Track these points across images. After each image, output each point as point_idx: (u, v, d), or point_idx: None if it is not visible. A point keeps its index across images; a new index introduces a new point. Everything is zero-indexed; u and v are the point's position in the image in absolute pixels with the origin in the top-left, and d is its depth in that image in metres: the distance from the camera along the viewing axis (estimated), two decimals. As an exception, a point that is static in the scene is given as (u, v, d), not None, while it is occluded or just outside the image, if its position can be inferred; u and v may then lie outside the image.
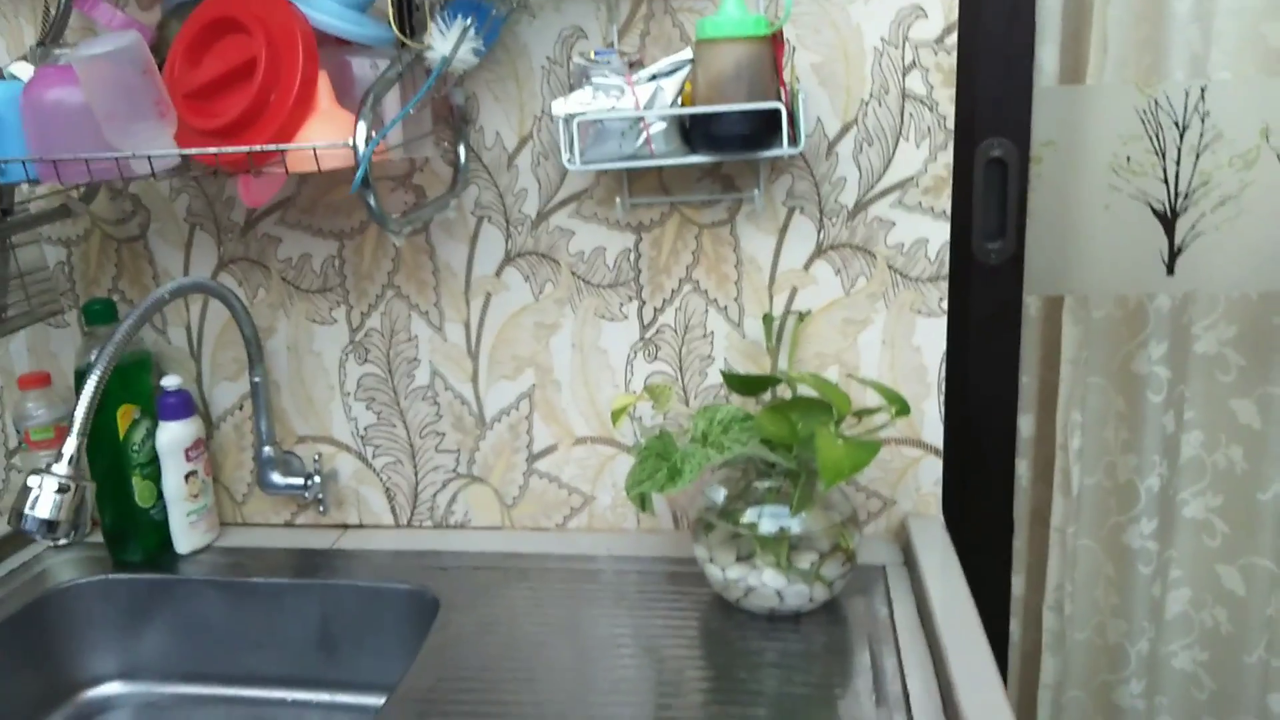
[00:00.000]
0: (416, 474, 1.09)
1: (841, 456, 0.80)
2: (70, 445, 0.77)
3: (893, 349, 0.97)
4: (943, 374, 0.97)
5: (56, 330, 1.11)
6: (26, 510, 0.75)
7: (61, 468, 0.77)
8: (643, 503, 0.87)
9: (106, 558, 1.06)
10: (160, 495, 1.06)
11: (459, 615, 0.91)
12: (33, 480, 0.76)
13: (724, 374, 0.93)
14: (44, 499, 0.76)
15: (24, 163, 0.79)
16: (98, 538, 1.10)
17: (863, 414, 0.88)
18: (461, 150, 0.96)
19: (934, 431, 0.99)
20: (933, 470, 1.00)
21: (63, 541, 1.07)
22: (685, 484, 0.83)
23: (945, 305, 0.95)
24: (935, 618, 0.82)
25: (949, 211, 0.93)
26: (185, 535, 1.06)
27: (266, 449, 1.06)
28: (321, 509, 1.08)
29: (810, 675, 0.79)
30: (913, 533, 0.97)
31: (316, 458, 1.08)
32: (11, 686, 0.96)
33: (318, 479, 1.06)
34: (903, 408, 0.88)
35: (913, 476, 1.01)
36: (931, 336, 0.96)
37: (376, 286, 1.04)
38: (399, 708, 0.77)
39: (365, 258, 1.03)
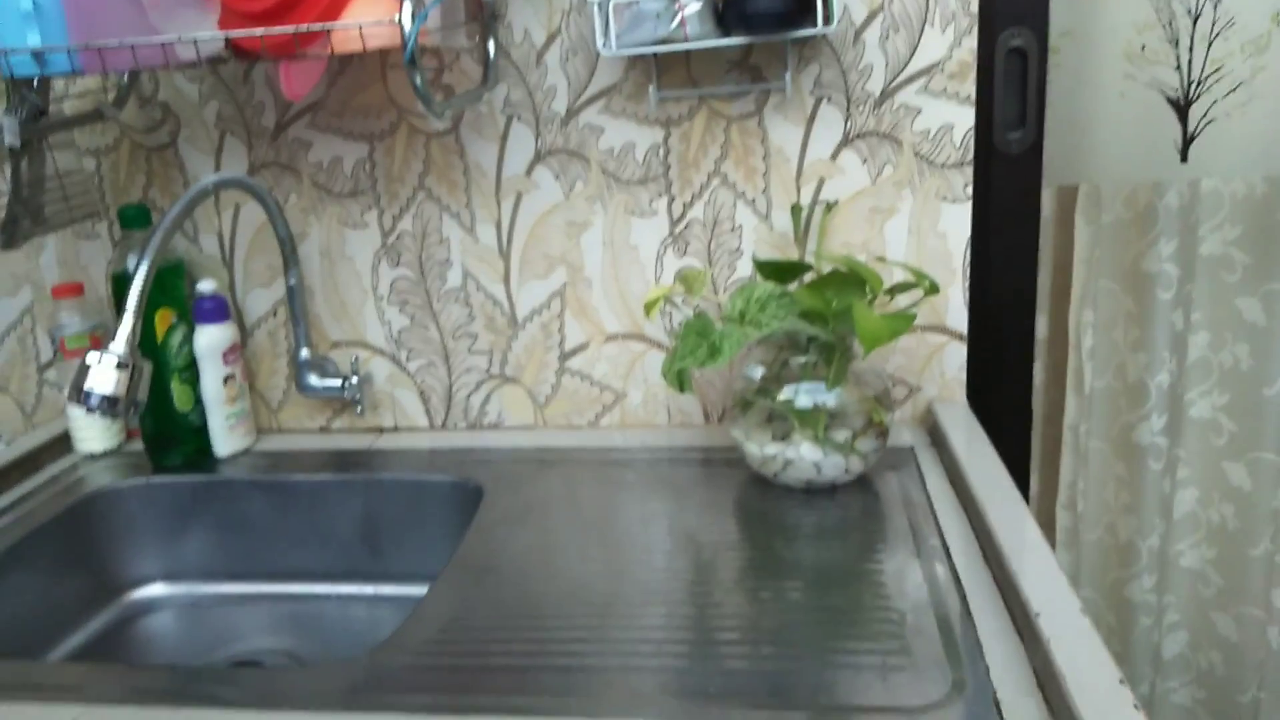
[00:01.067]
0: (450, 376, 1.11)
1: (879, 325, 0.82)
2: (126, 325, 0.79)
3: (919, 236, 1.00)
4: (968, 260, 1.00)
5: (87, 242, 1.12)
6: (88, 387, 0.77)
7: (119, 346, 0.78)
8: (681, 382, 0.90)
9: (146, 464, 1.08)
10: (198, 400, 1.07)
11: (501, 501, 0.93)
12: (91, 357, 0.77)
13: (756, 261, 0.95)
14: (104, 375, 0.77)
15: (69, 51, 0.80)
16: (136, 446, 1.13)
17: (895, 290, 0.90)
18: (491, 46, 0.97)
19: (959, 318, 1.02)
20: (957, 356, 1.03)
21: (121, 420, 1.08)
22: (725, 360, 0.85)
23: (970, 191, 0.98)
24: (968, 479, 0.84)
25: (974, 97, 0.95)
26: (224, 438, 1.08)
27: (304, 351, 1.08)
28: (359, 409, 1.10)
29: (849, 541, 0.82)
30: (940, 416, 1.00)
31: (354, 359, 1.10)
32: (58, 588, 0.98)
33: (356, 378, 1.08)
34: (932, 286, 0.90)
35: (938, 362, 1.03)
36: (957, 223, 0.99)
37: (408, 189, 1.05)
38: (443, 593, 0.79)
39: (396, 160, 1.04)
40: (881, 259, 0.99)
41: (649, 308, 0.98)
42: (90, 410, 0.77)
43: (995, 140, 1.03)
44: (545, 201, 1.03)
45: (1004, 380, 1.11)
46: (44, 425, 1.16)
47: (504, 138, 1.02)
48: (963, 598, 0.71)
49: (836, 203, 1.00)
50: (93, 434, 1.11)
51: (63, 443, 1.13)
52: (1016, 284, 1.08)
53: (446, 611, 0.74)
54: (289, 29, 0.77)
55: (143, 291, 0.80)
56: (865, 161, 0.98)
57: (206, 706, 0.64)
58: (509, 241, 1.05)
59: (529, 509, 0.91)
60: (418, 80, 0.78)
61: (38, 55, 0.77)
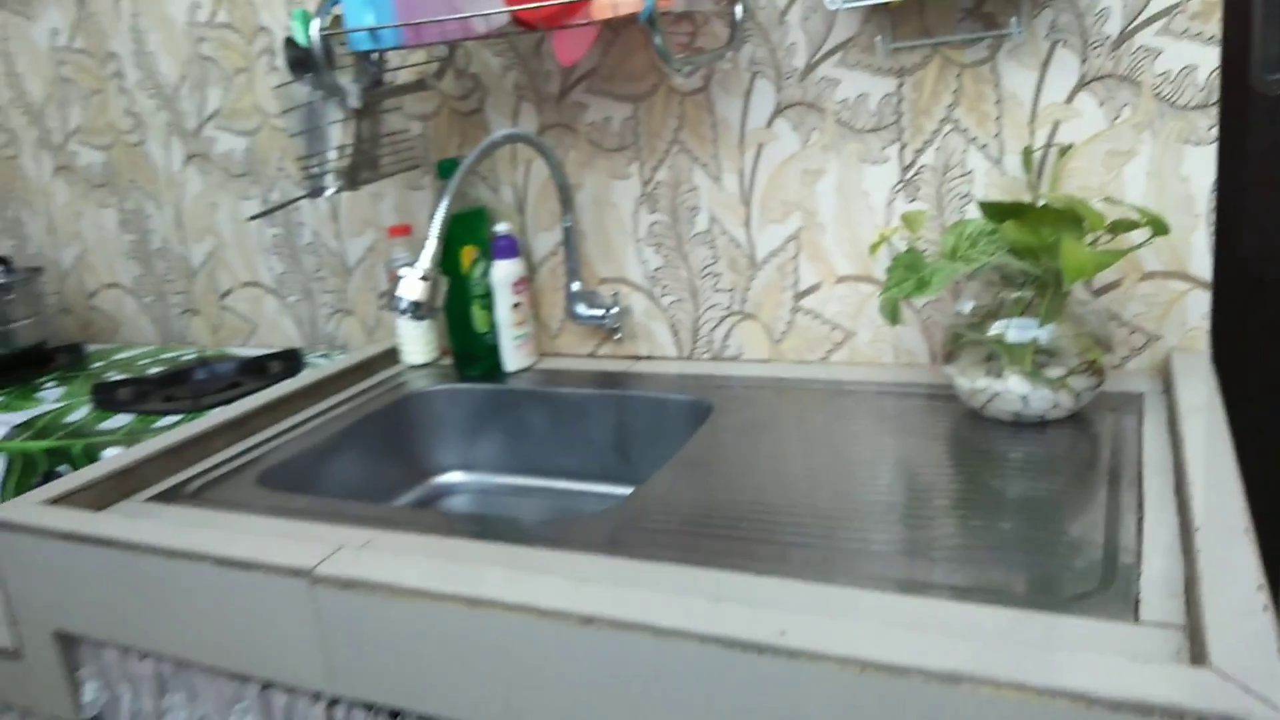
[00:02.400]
0: (697, 311, 1.24)
1: (1085, 257, 0.84)
2: (430, 246, 0.99)
3: (1159, 179, 0.98)
4: (1212, 204, 0.97)
5: (415, 192, 1.37)
6: (399, 294, 0.98)
7: (424, 262, 0.99)
8: (893, 314, 0.96)
9: (453, 374, 1.31)
10: (493, 323, 1.29)
11: (727, 419, 1.05)
12: (403, 271, 0.98)
13: (981, 203, 0.99)
14: (412, 285, 0.98)
15: (395, 28, 1.01)
16: (446, 361, 1.36)
17: (1116, 228, 0.90)
18: (738, 9, 1.08)
19: (1202, 264, 0.99)
20: (1200, 304, 1.00)
21: (424, 320, 1.31)
22: (933, 293, 0.91)
23: (1215, 133, 0.95)
24: (1183, 439, 0.82)
25: (1219, 36, 0.92)
26: (512, 356, 1.29)
27: (574, 284, 1.26)
28: (618, 337, 1.26)
29: (1047, 472, 0.85)
30: (1175, 366, 0.98)
31: (615, 294, 1.26)
32: (381, 467, 1.23)
33: (616, 309, 1.24)
34: (1159, 226, 0.90)
35: (1179, 310, 1.01)
36: (1200, 166, 0.96)
37: (664, 143, 1.19)
38: (668, 477, 0.92)
39: (655, 117, 1.18)
40: (1108, 199, 0.99)
41: (874, 248, 1.05)
42: (401, 313, 0.98)
43: (1253, 82, 0.99)
44: (783, 151, 1.13)
45: (1256, 335, 1.05)
46: (380, 341, 1.43)
47: (748, 93, 1.12)
48: (1139, 525, 0.73)
49: (1071, 146, 1.01)
50: (415, 349, 1.36)
51: (391, 355, 1.39)
52: (1274, 234, 1.02)
53: (671, 491, 0.87)
54: (555, 1, 0.92)
55: (443, 221, 1.00)
56: (1102, 104, 0.98)
57: (503, 542, 0.81)
58: (750, 189, 1.16)
59: (754, 425, 1.02)
60: (657, 40, 0.91)
61: (372, 32, 0.98)
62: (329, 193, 1.12)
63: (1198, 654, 0.56)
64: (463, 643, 0.70)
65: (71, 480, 0.98)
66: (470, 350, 1.29)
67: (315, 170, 1.12)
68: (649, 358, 1.28)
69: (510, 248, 1.26)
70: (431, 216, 1.00)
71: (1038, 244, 0.89)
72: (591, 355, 1.32)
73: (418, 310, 0.98)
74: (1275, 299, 1.04)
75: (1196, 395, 0.90)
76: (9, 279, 1.49)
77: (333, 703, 0.80)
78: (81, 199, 1.66)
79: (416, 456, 1.28)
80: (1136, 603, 0.63)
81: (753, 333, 1.21)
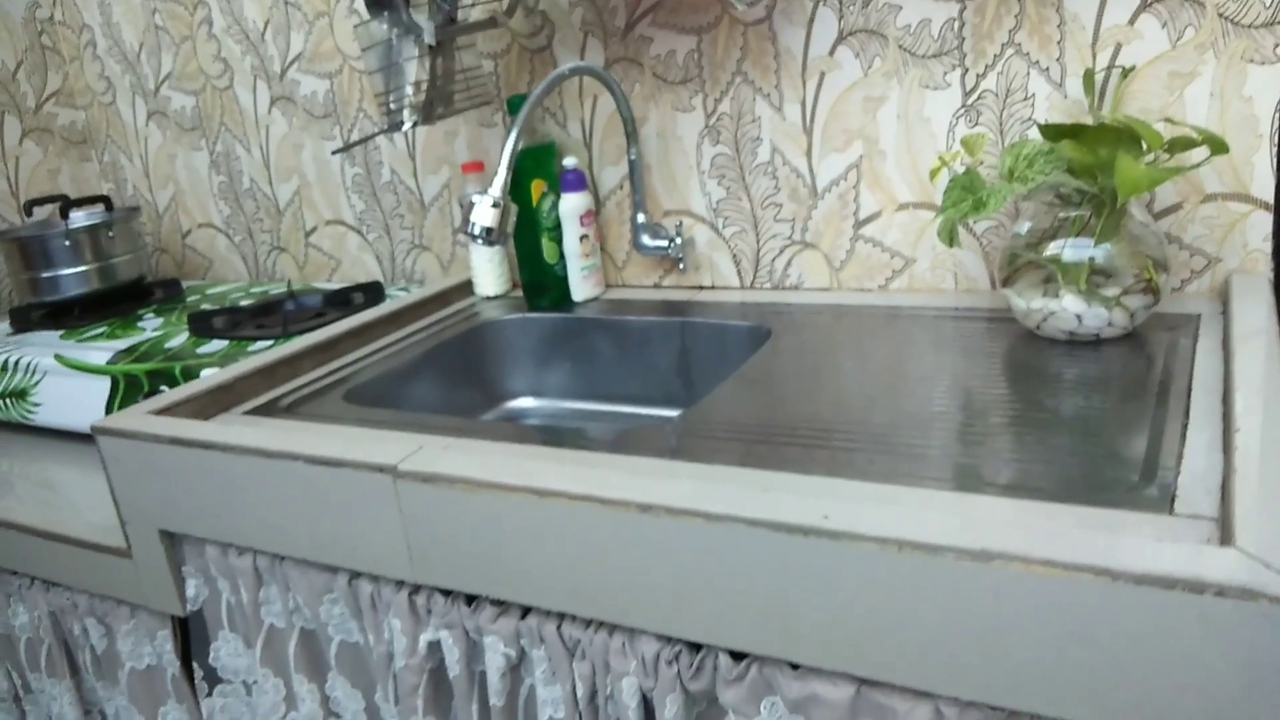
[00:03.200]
0: (758, 241, 1.27)
1: (1140, 173, 0.85)
2: (501, 174, 1.04)
3: (1221, 100, 0.98)
4: (1275, 125, 0.96)
5: (487, 129, 1.42)
6: (472, 219, 1.03)
7: (495, 190, 1.04)
8: (950, 236, 0.98)
9: (524, 305, 1.37)
10: (562, 255, 1.33)
11: (786, 341, 1.08)
12: (476, 198, 1.03)
13: (1040, 125, 1.00)
14: (484, 211, 1.03)
15: (468, -33, 1.05)
16: (518, 293, 1.42)
17: (1174, 145, 0.91)
18: (801, -61, 1.09)
19: (1265, 186, 0.99)
20: (1262, 226, 1.00)
21: (495, 246, 1.36)
22: (989, 212, 0.93)
23: (1283, 50, 0.94)
24: (1234, 355, 0.83)
25: (1291, -52, 0.91)
26: (580, 286, 1.33)
27: (640, 216, 1.30)
28: (682, 267, 1.30)
29: (1095, 394, 0.86)
30: (1234, 288, 0.98)
31: (678, 224, 1.30)
32: (456, 391, 1.29)
33: (679, 239, 1.28)
34: (1219, 146, 0.90)
35: (1240, 232, 1.01)
36: (1266, 86, 0.96)
37: (727, 74, 1.21)
38: (729, 391, 0.96)
39: (719, 49, 1.21)
40: (1169, 120, 0.99)
41: (933, 173, 1.07)
42: (473, 238, 1.04)
43: (1326, -5, 0.97)
44: (845, 79, 1.14)
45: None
46: (455, 275, 1.50)
47: (810, 22, 1.14)
48: (1183, 433, 0.75)
49: (1133, 68, 1.01)
50: (487, 281, 1.42)
51: (466, 288, 1.45)
52: (1350, 152, 1.01)
53: (728, 405, 0.92)
54: (621, -67, 0.95)
55: (513, 151, 1.05)
56: (1165, 25, 0.98)
57: (570, 448, 0.87)
58: (812, 118, 1.18)
59: (813, 347, 1.05)
60: (719, -33, 0.93)
61: (445, -31, 1.02)
62: (406, 127, 1.18)
63: (1225, 538, 0.59)
64: (531, 531, 0.76)
65: (174, 395, 1.07)
66: (540, 281, 1.35)
67: (393, 106, 1.17)
68: (711, 288, 1.32)
69: (578, 181, 1.30)
70: (502, 151, 1.05)
71: (1094, 162, 0.90)
72: (656, 286, 1.37)
73: (489, 235, 1.04)
74: (1343, 220, 1.03)
75: (1253, 316, 0.91)
76: (109, 217, 1.59)
77: (414, 591, 0.87)
78: (174, 143, 1.75)
79: (489, 382, 1.34)
80: (1172, 499, 0.66)
81: (813, 262, 1.24)
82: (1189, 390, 0.82)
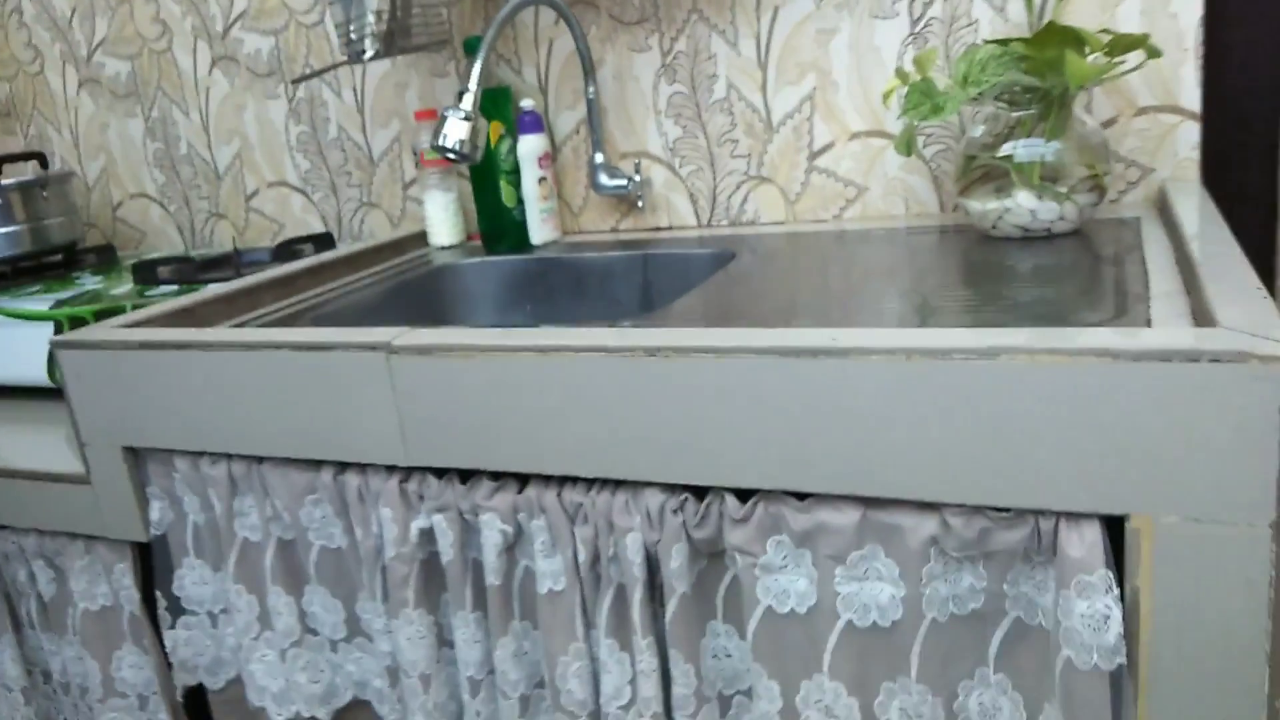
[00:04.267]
0: (715, 178, 1.30)
1: (1087, 67, 0.91)
2: (470, 91, 1.05)
3: (1150, 17, 1.05)
4: (1199, 39, 1.04)
5: (440, 79, 1.43)
6: (444, 132, 1.04)
7: (466, 105, 1.05)
8: (908, 144, 1.03)
9: (479, 254, 1.37)
10: (519, 199, 1.35)
11: (748, 260, 1.11)
12: (448, 113, 1.04)
13: (986, 41, 1.06)
14: (456, 126, 1.04)
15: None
16: (472, 244, 1.42)
17: (1113, 48, 0.97)
18: (755, -124, 1.14)
19: (1191, 97, 1.06)
20: (1190, 135, 1.08)
21: (465, 163, 1.34)
22: (946, 115, 0.98)
23: (1203, -32, 1.02)
24: (1180, 223, 0.90)
25: (1207, -128, 1.00)
26: (538, 229, 1.35)
27: (598, 155, 1.32)
28: (640, 205, 1.33)
29: (1053, 275, 0.91)
30: (1170, 193, 1.05)
31: (637, 164, 1.33)
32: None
33: (638, 177, 1.30)
34: (1153, 51, 0.97)
35: (1170, 143, 1.08)
36: (1189, 3, 1.04)
37: (683, 12, 1.25)
38: (698, 294, 0.98)
39: (675, -11, 1.25)
40: (1105, 30, 1.06)
41: (886, 96, 1.12)
42: (446, 152, 1.04)
43: (1237, -79, 1.06)
44: (798, 13, 1.19)
45: (1244, 166, 1.13)
46: (405, 229, 1.49)
47: (764, -42, 1.19)
48: (1145, 284, 0.80)
49: (1068, -9, 1.08)
50: (443, 230, 1.42)
51: (420, 238, 1.45)
52: (1258, 68, 1.10)
53: (694, 308, 0.94)
54: None
55: (483, 63, 1.06)
56: (1097, -52, 1.06)
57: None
58: (766, 53, 1.22)
59: (774, 263, 1.08)
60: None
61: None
62: (368, 56, 1.18)
63: (1207, 323, 0.63)
64: (533, 394, 0.76)
65: (133, 316, 1.04)
66: (498, 225, 1.35)
67: (354, 35, 1.18)
68: (669, 228, 1.35)
69: (536, 123, 1.32)
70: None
71: (1043, 60, 0.96)
72: (613, 230, 1.39)
73: (462, 150, 1.04)
74: (1263, 131, 1.12)
75: (1191, 202, 0.98)
76: (44, 175, 1.54)
77: (405, 477, 0.86)
78: (107, 111, 1.71)
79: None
80: (1148, 320, 0.70)
81: (769, 196, 1.28)
82: (1143, 261, 0.88)
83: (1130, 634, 0.63)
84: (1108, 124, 1.10)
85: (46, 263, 1.60)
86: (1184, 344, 0.58)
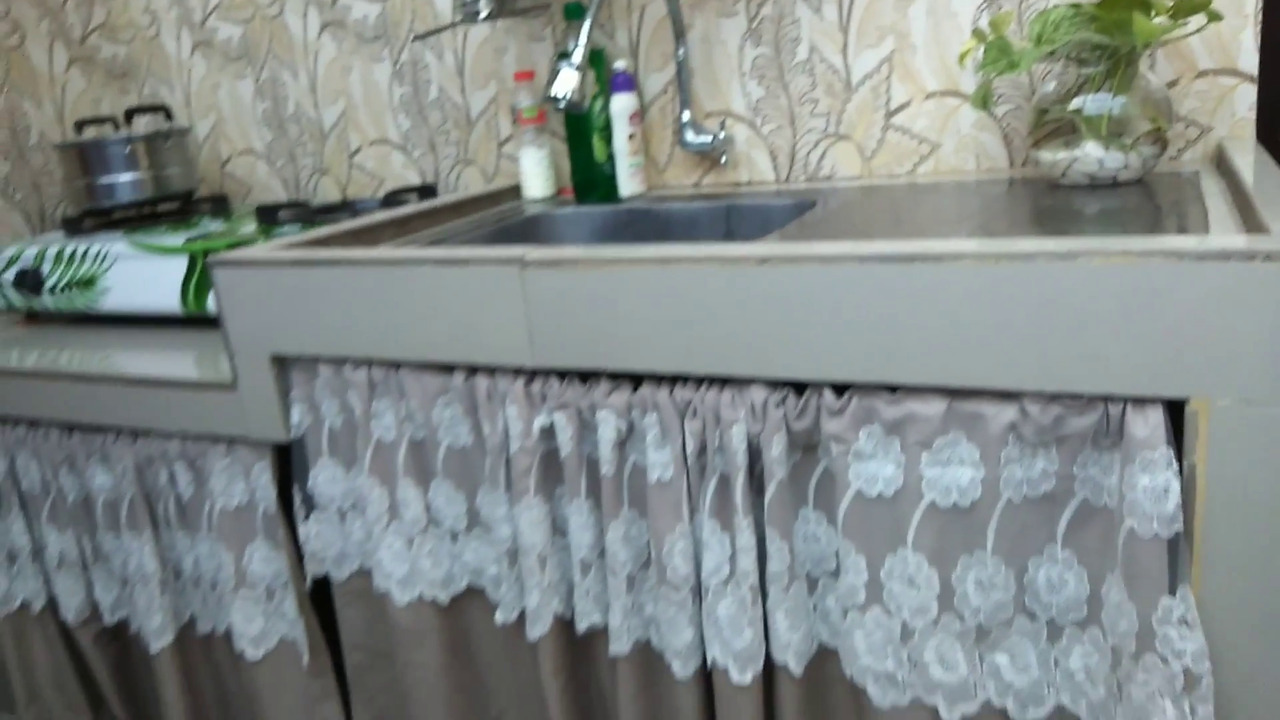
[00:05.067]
0: (794, 136, 1.40)
1: (1153, 26, 1.00)
2: (581, 45, 1.16)
3: (1213, -15, 1.13)
4: (1259, 4, 1.12)
5: (536, 44, 1.53)
6: (556, 84, 1.14)
7: (576, 58, 1.15)
8: (984, 99, 1.12)
9: (572, 204, 1.47)
10: (610, 155, 1.45)
11: (828, 207, 1.20)
12: (561, 65, 1.15)
13: (1058, 4, 1.15)
14: (566, 78, 1.14)
15: None
16: (563, 197, 1.53)
17: (1177, 11, 1.06)
18: None
19: (1249, 61, 1.14)
20: (1247, 96, 1.15)
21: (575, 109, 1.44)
22: (1022, 70, 1.07)
23: (1265, -61, 1.10)
24: (1239, 172, 0.97)
25: None
26: (627, 182, 1.45)
27: (685, 113, 1.42)
28: (724, 160, 1.43)
29: (1116, 216, 1.00)
30: (1228, 149, 1.13)
31: (721, 121, 1.43)
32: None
33: (722, 134, 1.40)
34: (1214, 15, 1.05)
35: (1228, 104, 1.16)
36: (1251, -30, 1.12)
37: (771, -19, 1.35)
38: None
39: (763, -41, 1.34)
40: (1171, -3, 1.14)
41: (962, 56, 1.21)
42: (557, 101, 1.15)
43: (1299, -104, 1.14)
44: (880, -20, 1.29)
45: (1299, 126, 1.20)
46: (499, 185, 1.60)
47: (849, -71, 1.28)
48: (1204, 220, 0.89)
49: (1136, -39, 1.16)
50: (536, 183, 1.53)
51: (514, 191, 1.56)
52: (1318, 36, 1.17)
53: (785, 239, 1.04)
54: None
55: (593, 19, 1.17)
56: (1164, -80, 1.13)
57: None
58: (848, 17, 1.32)
59: (852, 209, 1.18)
60: None
61: None
62: (482, 16, 1.29)
63: (1259, 231, 0.72)
64: (653, 299, 0.87)
65: (273, 244, 1.15)
66: (590, 178, 1.46)
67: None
68: (749, 183, 1.45)
69: (627, 82, 1.42)
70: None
71: (1113, 21, 1.05)
72: (696, 185, 1.49)
73: (571, 99, 1.15)
74: (1314, 93, 1.19)
75: (1247, 158, 1.06)
76: (169, 126, 1.67)
77: (530, 379, 0.97)
78: (219, 71, 1.83)
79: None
80: (1207, 233, 0.79)
81: (846, 152, 1.37)
82: (1202, 203, 0.96)
83: (1187, 506, 0.72)
84: (1170, 85, 1.18)
85: (164, 210, 1.73)
86: (1239, 245, 0.67)
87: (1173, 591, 0.73)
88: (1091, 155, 1.08)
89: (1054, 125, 1.14)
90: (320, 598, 1.23)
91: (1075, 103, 1.09)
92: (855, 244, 0.80)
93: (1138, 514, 0.72)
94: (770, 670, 0.93)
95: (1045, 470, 0.78)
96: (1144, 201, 1.01)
